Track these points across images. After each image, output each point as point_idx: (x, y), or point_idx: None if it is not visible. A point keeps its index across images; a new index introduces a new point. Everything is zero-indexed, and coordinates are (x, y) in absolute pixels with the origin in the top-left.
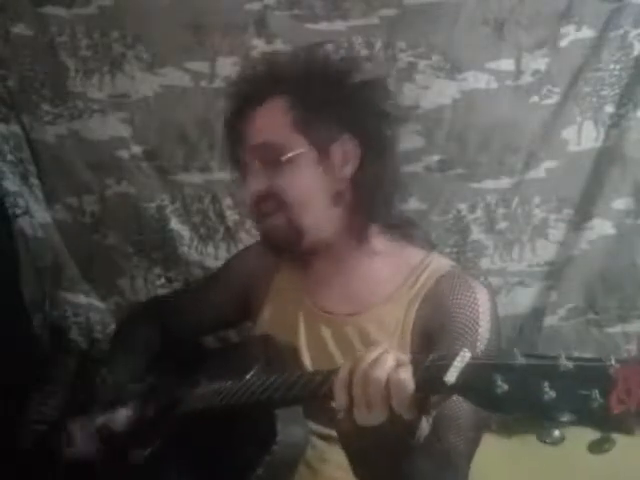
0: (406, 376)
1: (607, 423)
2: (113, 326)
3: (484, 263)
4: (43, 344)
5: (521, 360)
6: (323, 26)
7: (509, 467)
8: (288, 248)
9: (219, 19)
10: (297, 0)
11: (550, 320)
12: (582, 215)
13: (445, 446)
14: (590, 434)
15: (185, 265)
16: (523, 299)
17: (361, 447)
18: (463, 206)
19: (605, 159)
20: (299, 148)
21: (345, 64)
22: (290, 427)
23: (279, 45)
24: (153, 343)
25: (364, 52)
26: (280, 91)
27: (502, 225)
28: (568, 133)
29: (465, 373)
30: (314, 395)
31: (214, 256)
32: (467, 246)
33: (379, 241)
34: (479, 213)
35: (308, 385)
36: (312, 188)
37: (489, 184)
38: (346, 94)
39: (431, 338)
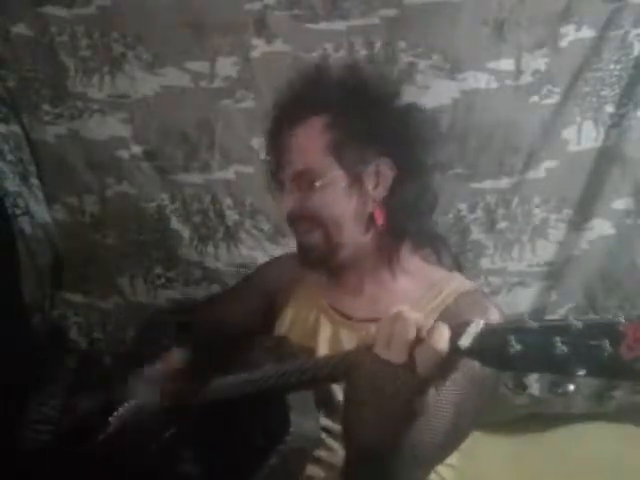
0: (446, 333)
1: (618, 370)
2: (113, 326)
3: (484, 263)
4: (43, 344)
5: (533, 324)
6: (323, 26)
7: (509, 467)
8: (323, 263)
9: (219, 19)
10: (297, 0)
11: None
12: (582, 215)
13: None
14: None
15: (185, 265)
16: (523, 299)
17: (366, 388)
18: (463, 206)
19: (605, 159)
20: (332, 172)
21: (389, 87)
22: (303, 418)
23: (279, 45)
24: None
25: (364, 52)
26: (322, 110)
27: (502, 225)
28: (568, 133)
29: (479, 338)
30: (332, 375)
31: (214, 256)
32: (467, 246)
33: (408, 262)
34: (479, 213)
35: (324, 367)
36: (343, 209)
37: (489, 184)
38: (387, 117)
39: None
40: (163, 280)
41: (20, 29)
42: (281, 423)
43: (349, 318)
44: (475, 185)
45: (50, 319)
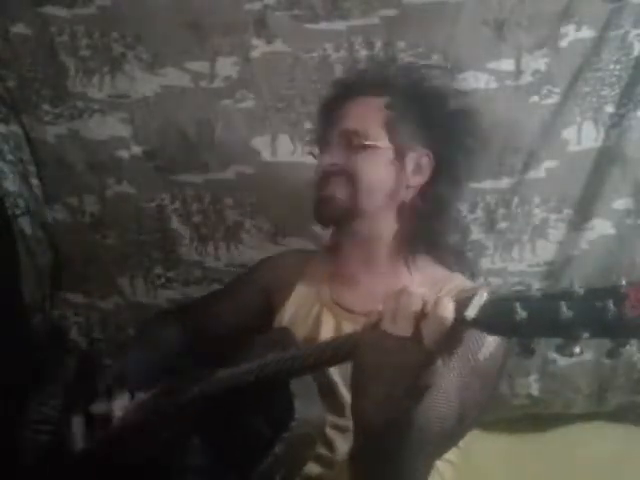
0: (451, 304)
1: (623, 330)
2: (113, 326)
3: (484, 263)
4: (43, 344)
5: (536, 293)
6: (323, 26)
7: (509, 466)
8: (338, 220)
9: (219, 19)
10: (297, 0)
11: None
12: (582, 215)
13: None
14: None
15: (185, 265)
16: None
17: (374, 364)
18: (463, 206)
19: (605, 159)
20: (381, 142)
21: (448, 91)
22: (307, 405)
23: (279, 45)
24: (173, 344)
25: (364, 52)
26: (383, 92)
27: (502, 225)
28: (568, 133)
29: (485, 307)
30: (336, 356)
31: (214, 256)
32: (467, 246)
33: (420, 258)
34: (479, 213)
35: (328, 347)
36: (381, 180)
37: (489, 184)
38: (440, 116)
39: None
40: (163, 280)
41: (20, 29)
42: (285, 411)
43: (352, 312)
44: (475, 185)
45: (50, 319)
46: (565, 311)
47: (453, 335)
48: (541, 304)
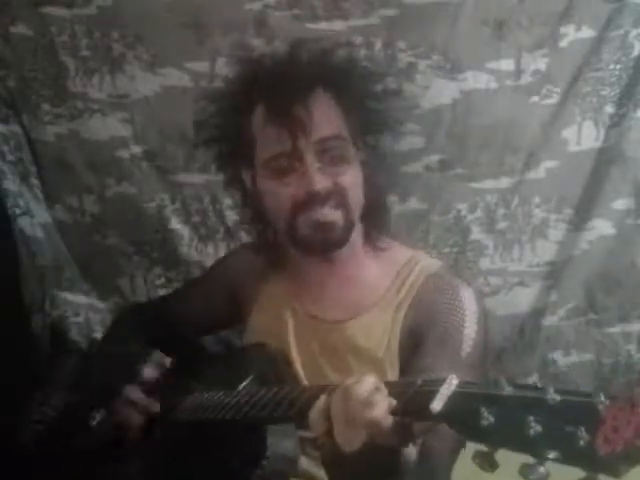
0: (381, 413)
1: (593, 463)
2: None
3: (484, 263)
4: (43, 344)
5: (508, 390)
6: (323, 26)
7: (509, 467)
8: (335, 245)
9: (219, 19)
10: (297, 0)
11: (550, 320)
12: (582, 215)
13: (428, 453)
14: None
15: (185, 265)
16: (523, 299)
17: (345, 470)
18: (463, 206)
19: (605, 159)
20: (352, 145)
21: (373, 69)
22: (281, 441)
23: (279, 45)
24: (144, 339)
25: (364, 52)
26: (322, 83)
27: (502, 225)
28: (568, 133)
29: (451, 401)
30: (301, 414)
31: (214, 256)
32: (467, 246)
33: (377, 244)
34: (479, 213)
35: (295, 403)
36: (360, 187)
37: (489, 184)
38: (371, 100)
39: (419, 341)
40: (163, 280)
41: (20, 29)
42: (258, 444)
43: (318, 319)
44: (475, 185)
45: (50, 319)
46: (534, 426)
47: (420, 425)
48: (509, 412)
